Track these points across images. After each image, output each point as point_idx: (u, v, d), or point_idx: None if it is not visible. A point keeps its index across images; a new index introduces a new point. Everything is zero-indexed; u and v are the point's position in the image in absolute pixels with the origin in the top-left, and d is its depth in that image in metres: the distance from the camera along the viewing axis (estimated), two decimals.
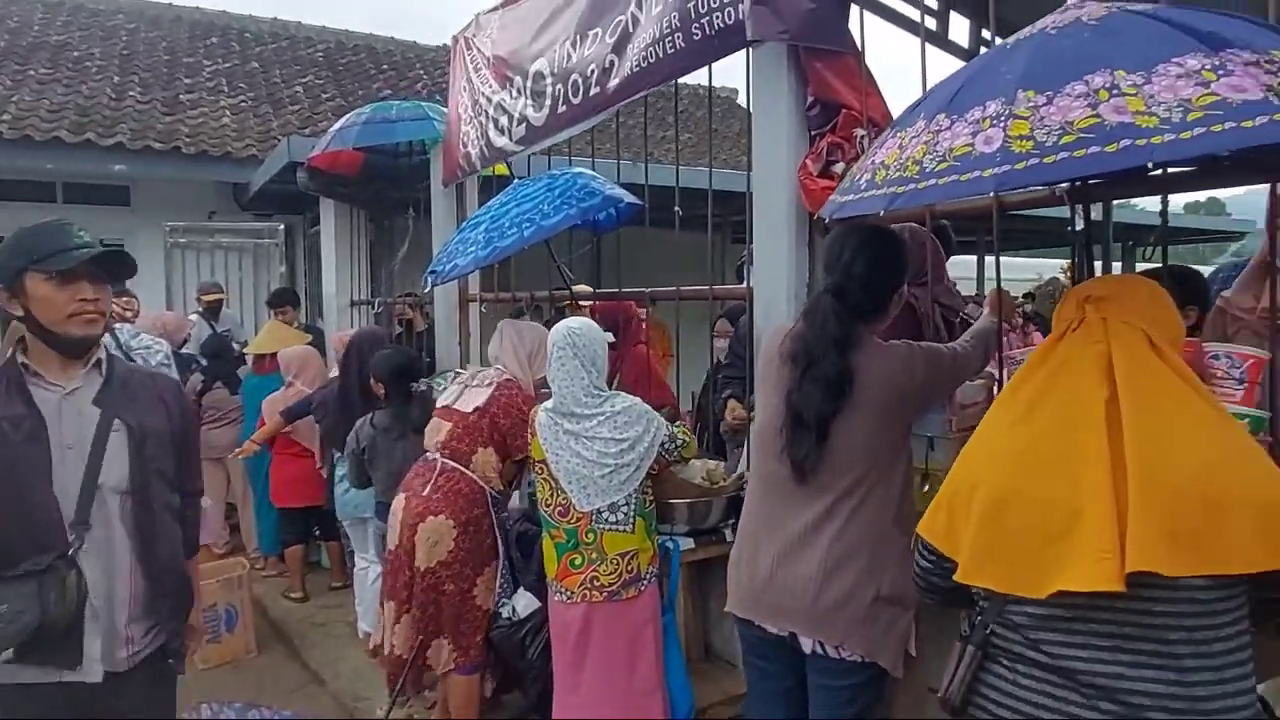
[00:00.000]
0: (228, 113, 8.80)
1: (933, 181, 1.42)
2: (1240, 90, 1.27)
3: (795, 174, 2.69)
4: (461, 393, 3.20)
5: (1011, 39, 1.66)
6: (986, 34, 4.05)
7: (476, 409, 3.07)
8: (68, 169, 7.49)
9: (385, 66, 11.88)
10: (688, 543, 2.94)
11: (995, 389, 2.32)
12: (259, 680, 4.07)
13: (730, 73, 3.33)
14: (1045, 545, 1.32)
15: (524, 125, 4.11)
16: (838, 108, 2.63)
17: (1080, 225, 2.22)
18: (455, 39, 4.96)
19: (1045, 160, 1.31)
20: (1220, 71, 1.29)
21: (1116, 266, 9.39)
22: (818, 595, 1.93)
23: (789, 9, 2.57)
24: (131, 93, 8.57)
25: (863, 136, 2.54)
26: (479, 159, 4.61)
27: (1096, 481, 1.29)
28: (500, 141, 4.36)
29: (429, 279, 3.48)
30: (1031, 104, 1.38)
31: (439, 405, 3.27)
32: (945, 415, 2.26)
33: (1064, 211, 2.23)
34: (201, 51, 10.47)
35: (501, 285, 4.56)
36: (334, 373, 4.59)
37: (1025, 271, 11.18)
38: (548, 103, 3.91)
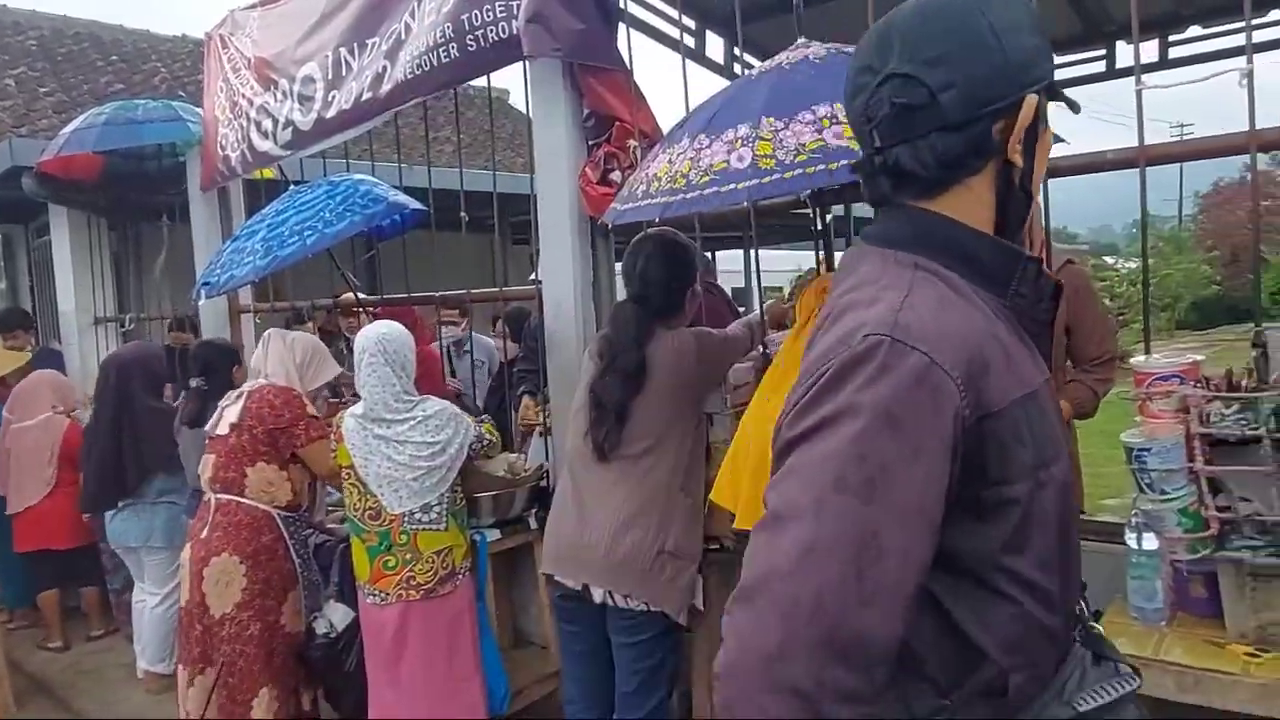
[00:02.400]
0: None
1: (698, 192, 1.69)
2: None
3: (576, 181, 2.91)
4: (220, 417, 3.03)
5: (755, 70, 1.97)
6: (738, 51, 4.52)
7: (232, 426, 2.92)
8: None
9: (114, 57, 10.75)
10: (494, 534, 3.07)
11: (762, 371, 2.68)
12: None
13: (502, 73, 3.48)
14: None
15: (290, 129, 4.02)
16: (612, 120, 2.86)
17: (820, 225, 2.61)
18: (209, 36, 4.72)
19: (785, 175, 1.61)
20: None
21: None
22: (610, 549, 2.21)
23: (561, 28, 2.76)
24: None
25: (635, 147, 2.79)
26: (240, 163, 4.42)
27: None
28: (264, 145, 4.22)
29: (201, 291, 3.33)
30: (773, 128, 1.67)
31: (206, 438, 3.09)
32: (722, 393, 2.57)
33: None
34: None
35: (273, 295, 4.41)
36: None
37: (787, 264, 12.22)
38: (317, 107, 3.85)
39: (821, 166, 1.59)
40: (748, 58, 3.72)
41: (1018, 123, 0.91)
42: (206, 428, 3.07)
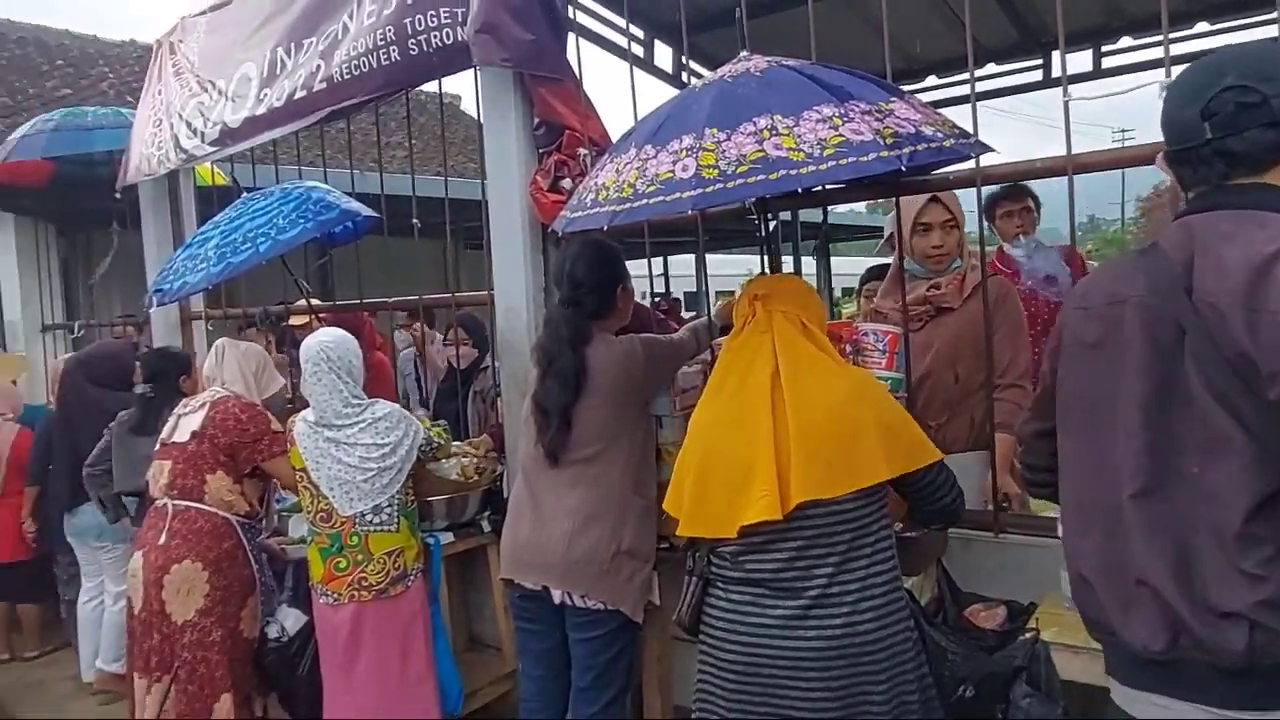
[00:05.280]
0: None
1: (644, 201, 1.74)
2: (859, 133, 1.70)
3: (527, 188, 2.95)
4: (176, 424, 3.03)
5: (699, 83, 2.04)
6: (686, 60, 4.62)
7: (193, 434, 2.92)
8: None
9: (60, 62, 10.52)
10: (448, 537, 3.10)
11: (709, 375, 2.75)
12: None
13: (453, 79, 3.48)
14: (733, 495, 1.74)
15: (219, 127, 4.00)
16: (562, 128, 2.92)
17: (764, 232, 2.69)
18: (159, 43, 4.68)
19: (728, 185, 1.67)
20: (845, 119, 1.72)
21: (806, 260, 10.79)
22: (567, 551, 2.25)
23: (510, 38, 2.80)
24: None
25: (585, 155, 2.85)
26: (160, 162, 4.38)
27: (763, 438, 1.72)
28: (190, 144, 4.19)
29: (154, 298, 3.31)
30: (715, 139, 1.74)
31: (157, 445, 3.08)
32: (670, 397, 2.63)
33: None
34: None
35: (226, 301, 4.38)
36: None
37: (737, 267, 12.39)
38: (249, 105, 3.84)
39: (762, 176, 1.65)
40: (695, 66, 3.81)
41: None
42: (162, 434, 3.05)
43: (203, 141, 4.08)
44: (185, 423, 2.95)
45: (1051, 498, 1.59)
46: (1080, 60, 5.09)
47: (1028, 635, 1.86)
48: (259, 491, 3.06)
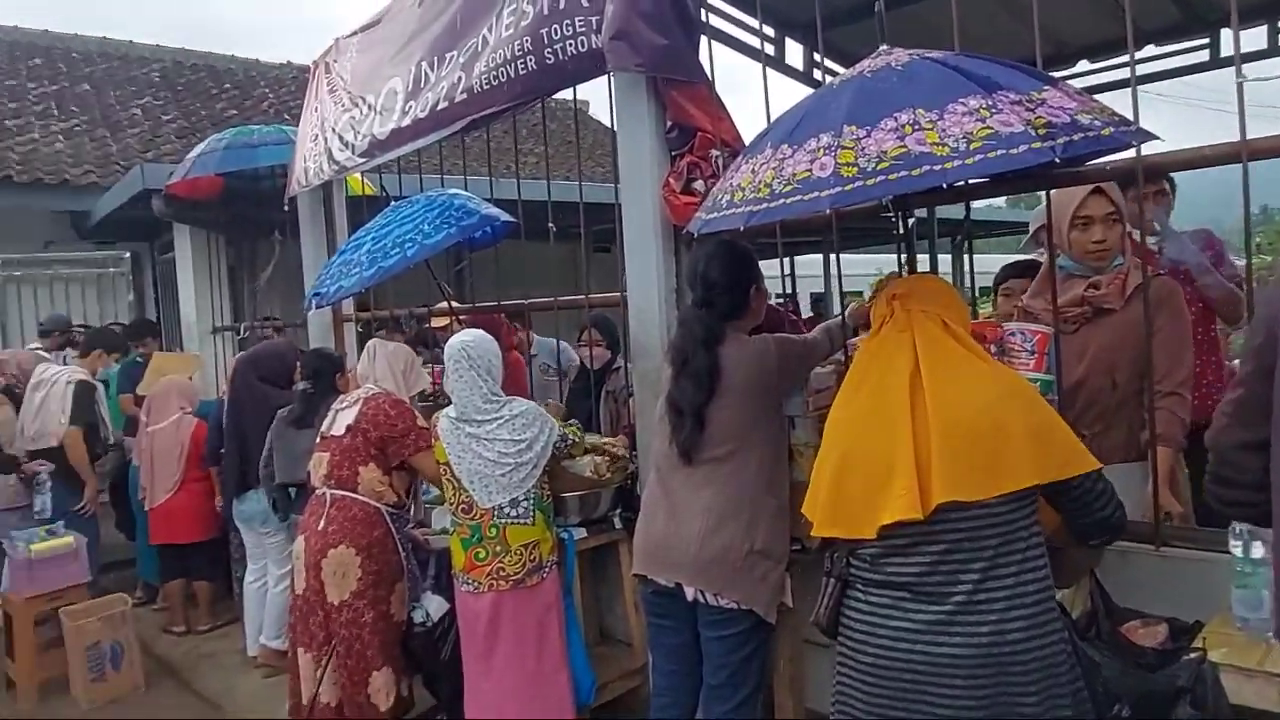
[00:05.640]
0: (60, 137, 8.32)
1: (781, 201, 1.74)
2: (1008, 125, 1.64)
3: (659, 191, 2.99)
4: (334, 419, 3.25)
5: (836, 80, 2.01)
6: (818, 57, 4.55)
7: (348, 428, 3.13)
8: None
9: (228, 85, 11.46)
10: (581, 532, 3.19)
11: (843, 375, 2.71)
12: (155, 714, 3.98)
13: (582, 85, 3.55)
14: (871, 494, 1.70)
15: (368, 139, 4.23)
16: (694, 131, 2.94)
17: (902, 230, 2.62)
18: (315, 64, 5.01)
19: (868, 183, 1.64)
20: (993, 110, 1.66)
21: (944, 259, 10.37)
22: (700, 549, 2.26)
23: (644, 44, 2.84)
24: None
25: (718, 157, 2.86)
26: (316, 174, 4.70)
27: (902, 438, 1.67)
28: (341, 156, 4.46)
29: (313, 301, 3.55)
30: (855, 136, 1.71)
31: (319, 437, 3.31)
32: (804, 397, 2.60)
33: None
34: (25, 73, 9.79)
35: (365, 303, 4.64)
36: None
37: (867, 268, 12.06)
38: (394, 117, 4.04)
39: (904, 173, 1.61)
40: (829, 64, 3.75)
41: None
42: (322, 428, 3.27)
43: (353, 153, 4.34)
44: (341, 417, 3.16)
45: (1257, 519, 1.44)
46: (1254, 38, 4.70)
47: (1193, 655, 1.74)
48: (406, 484, 3.24)
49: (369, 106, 4.28)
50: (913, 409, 1.69)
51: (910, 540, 1.69)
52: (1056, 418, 1.76)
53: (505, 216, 3.66)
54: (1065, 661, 1.67)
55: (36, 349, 5.59)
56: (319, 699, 3.05)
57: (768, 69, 3.02)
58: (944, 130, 1.64)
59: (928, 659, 1.65)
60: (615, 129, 3.19)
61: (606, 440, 3.38)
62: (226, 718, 3.89)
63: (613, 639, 3.65)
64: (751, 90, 2.91)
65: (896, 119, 1.70)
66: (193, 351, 6.55)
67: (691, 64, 2.94)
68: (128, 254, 7.80)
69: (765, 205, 1.79)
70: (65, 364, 5.39)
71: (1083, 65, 5.23)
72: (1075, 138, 1.62)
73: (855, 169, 1.67)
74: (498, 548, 2.76)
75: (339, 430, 3.14)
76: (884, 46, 2.00)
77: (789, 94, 2.77)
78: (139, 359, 5.68)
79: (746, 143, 2.49)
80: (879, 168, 1.64)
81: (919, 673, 1.65)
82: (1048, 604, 1.68)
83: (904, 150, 1.64)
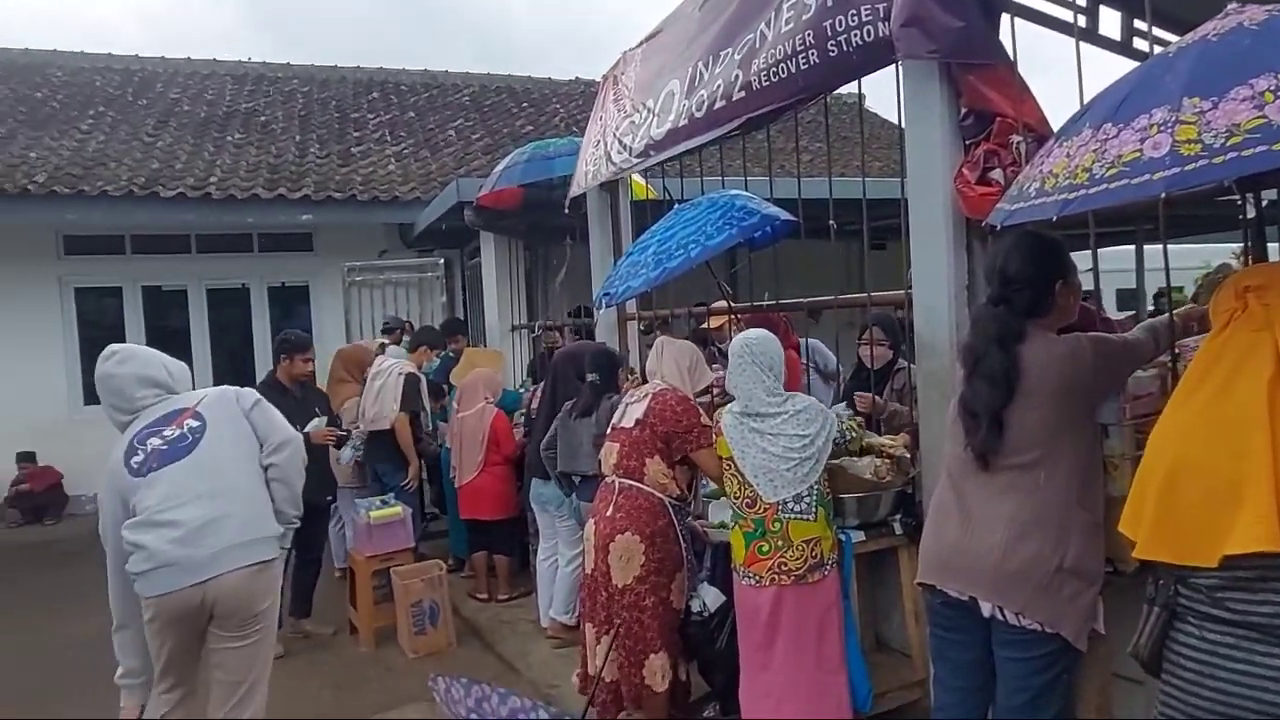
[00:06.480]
0: (392, 160, 9.62)
1: (1103, 186, 1.58)
2: None
3: (951, 183, 2.83)
4: (624, 412, 3.43)
5: (1172, 47, 1.78)
6: (1139, 24, 4.06)
7: (637, 421, 3.30)
8: (263, 221, 8.45)
9: (525, 104, 12.59)
10: (859, 535, 3.11)
11: (1169, 380, 2.40)
12: (465, 670, 4.46)
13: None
14: (1213, 517, 1.48)
15: (645, 141, 4.38)
16: (992, 116, 2.74)
17: (1252, 213, 2.27)
18: (604, 78, 5.33)
19: (1214, 161, 1.45)
20: None
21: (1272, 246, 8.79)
22: (1000, 561, 2.08)
23: (938, 28, 2.70)
24: (312, 149, 9.55)
25: (1019, 143, 2.66)
26: (594, 176, 4.98)
27: (1257, 453, 1.44)
28: (619, 159, 4.66)
29: (602, 300, 3.79)
30: (1197, 109, 1.52)
31: (610, 428, 3.52)
32: (1120, 404, 2.35)
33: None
34: (365, 106, 11.48)
35: (645, 304, 4.85)
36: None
37: (1191, 259, 10.54)
38: (670, 118, 4.14)
39: (1263, 148, 1.40)
40: (1156, 31, 3.32)
41: None
42: (613, 420, 3.50)
43: (630, 155, 4.54)
44: (631, 411, 3.36)
45: None
46: None
47: None
48: (688, 478, 3.37)
49: (648, 110, 4.45)
50: (1272, 420, 1.45)
51: (1260, 574, 1.46)
52: None
53: (785, 215, 3.67)
54: None
55: (383, 343, 6.51)
56: (602, 675, 3.26)
57: (1080, 43, 2.74)
58: None
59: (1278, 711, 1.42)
60: (901, 120, 3.07)
61: (886, 440, 3.28)
62: (523, 678, 4.26)
63: (888, 648, 3.53)
64: (1059, 69, 2.67)
65: (1253, 86, 1.48)
66: (494, 348, 7.28)
67: (990, 45, 2.76)
68: (442, 260, 8.84)
69: (1083, 192, 1.63)
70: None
71: None
72: None
73: (1198, 146, 1.48)
74: (780, 542, 2.79)
75: (629, 423, 3.32)
76: (1232, 5, 1.75)
77: (1104, 71, 2.50)
78: (451, 354, 6.43)
79: (1055, 128, 2.29)
80: (1229, 144, 1.44)
81: None
82: None
83: (1263, 122, 1.43)
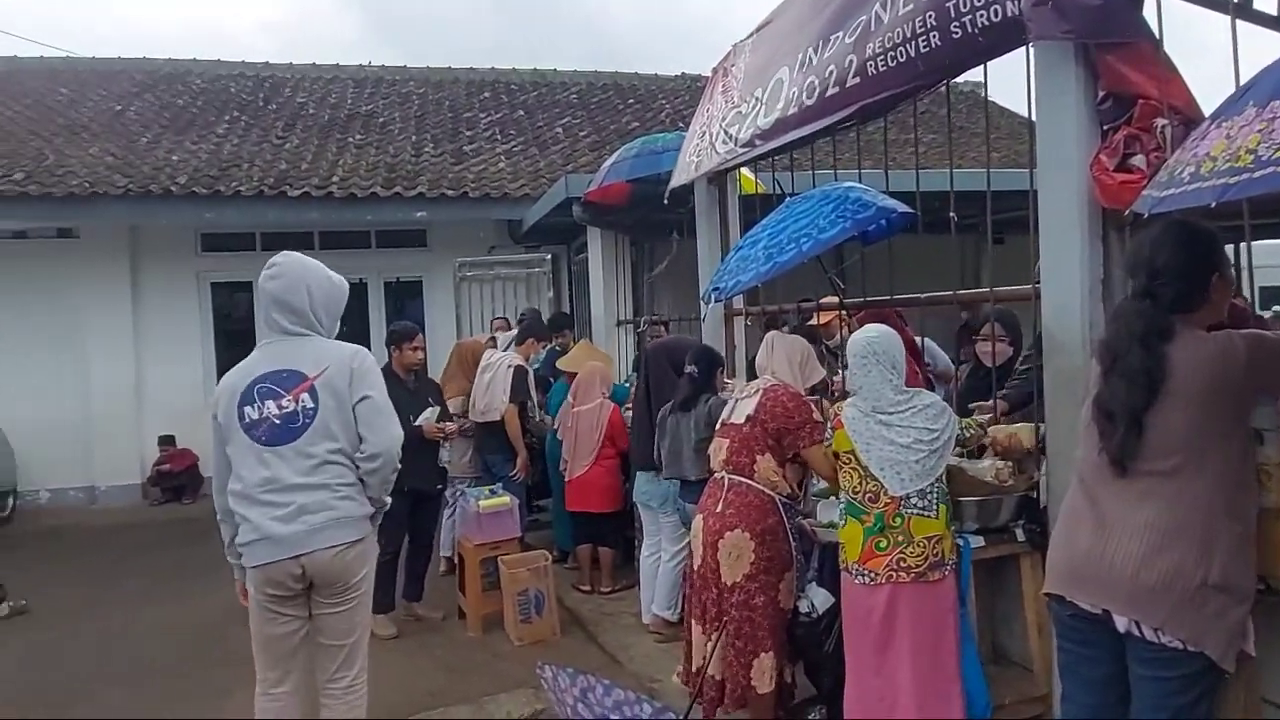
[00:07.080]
0: (503, 158, 9.85)
1: (1271, 170, 1.46)
2: None
3: (1086, 170, 2.67)
4: (734, 407, 3.38)
5: None
6: None
7: (748, 418, 3.24)
8: (381, 219, 8.80)
9: (631, 100, 12.66)
10: (978, 540, 2.98)
11: None
12: (568, 659, 4.52)
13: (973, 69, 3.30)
14: None
15: (751, 130, 4.25)
16: (1133, 98, 2.57)
17: None
18: (715, 70, 5.28)
19: None
20: None
21: None
22: (1137, 573, 1.94)
23: (1074, 7, 2.53)
24: (426, 148, 9.88)
25: (1164, 126, 2.48)
26: (697, 167, 4.90)
27: None
28: (724, 149, 4.55)
29: (711, 295, 3.76)
30: None
31: (719, 424, 3.48)
32: (1277, 407, 2.16)
33: None
34: (477, 106, 11.80)
35: (752, 299, 4.78)
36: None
37: None
38: (779, 106, 4.01)
39: None
40: None
41: None
42: (722, 415, 3.47)
43: (735, 145, 4.44)
44: (741, 407, 3.31)
45: None
46: None
47: None
48: (799, 476, 3.31)
49: (756, 99, 4.33)
50: None
51: None
52: None
53: (902, 208, 3.55)
54: None
55: (493, 336, 6.67)
56: (706, 671, 3.23)
57: (1236, 20, 2.53)
58: None
59: None
60: (1031, 106, 2.91)
61: (1002, 429, 3.15)
62: (626, 670, 4.29)
63: (1008, 660, 3.37)
64: (1211, 51, 2.47)
65: None
66: (597, 344, 7.35)
67: (1132, 21, 2.57)
68: (549, 256, 8.99)
69: (1246, 176, 1.51)
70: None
71: None
72: None
73: None
74: (900, 538, 2.72)
75: (739, 419, 3.28)
76: None
77: (1261, 50, 2.30)
78: (557, 348, 6.53)
79: (1206, 112, 2.12)
80: None
81: None
82: None
83: None
